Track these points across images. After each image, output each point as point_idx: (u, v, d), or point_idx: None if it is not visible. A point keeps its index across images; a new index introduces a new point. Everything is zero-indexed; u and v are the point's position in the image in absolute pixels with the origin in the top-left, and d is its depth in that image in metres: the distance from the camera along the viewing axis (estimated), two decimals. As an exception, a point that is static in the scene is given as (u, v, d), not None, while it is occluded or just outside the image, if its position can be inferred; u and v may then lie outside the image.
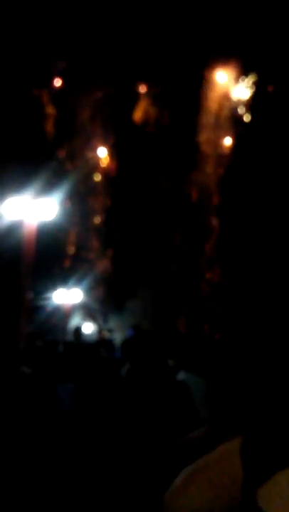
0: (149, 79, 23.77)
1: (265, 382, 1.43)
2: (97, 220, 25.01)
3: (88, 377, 4.85)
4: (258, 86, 23.61)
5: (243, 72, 23.75)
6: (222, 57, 23.33)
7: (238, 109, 24.13)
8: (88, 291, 24.61)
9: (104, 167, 25.79)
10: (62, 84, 23.66)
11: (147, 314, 22.07)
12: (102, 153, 25.67)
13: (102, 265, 24.82)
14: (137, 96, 24.35)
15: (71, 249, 24.13)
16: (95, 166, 25.52)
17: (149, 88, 24.14)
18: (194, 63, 22.96)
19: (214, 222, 24.50)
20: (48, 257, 20.06)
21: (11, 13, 19.18)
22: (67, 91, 23.60)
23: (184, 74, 22.91)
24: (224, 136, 24.77)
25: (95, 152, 25.66)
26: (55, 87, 23.68)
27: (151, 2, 21.18)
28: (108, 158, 25.71)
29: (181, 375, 4.94)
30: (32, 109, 21.22)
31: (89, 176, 24.46)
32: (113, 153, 25.61)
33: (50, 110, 22.52)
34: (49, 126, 21.91)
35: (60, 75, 23.43)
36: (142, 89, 24.37)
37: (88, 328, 21.10)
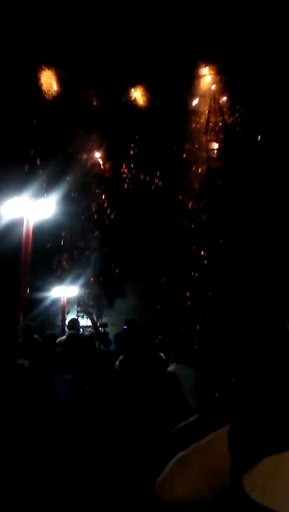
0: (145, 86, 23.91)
1: (253, 373, 1.45)
2: (94, 219, 25.17)
3: (85, 369, 4.85)
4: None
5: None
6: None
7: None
8: (84, 288, 24.82)
9: (100, 169, 25.98)
10: (60, 89, 23.75)
11: (140, 310, 22.28)
12: (98, 155, 25.85)
13: (98, 263, 24.99)
14: (131, 102, 24.49)
15: (68, 248, 24.29)
16: (91, 167, 25.68)
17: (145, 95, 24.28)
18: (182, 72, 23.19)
19: (203, 223, 24.71)
20: (45, 254, 20.23)
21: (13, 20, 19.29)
22: (66, 96, 23.68)
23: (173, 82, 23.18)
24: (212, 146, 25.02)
25: (91, 154, 25.83)
26: (54, 91, 23.77)
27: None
28: (103, 159, 25.90)
29: (172, 367, 5.15)
30: (31, 112, 21.23)
31: (85, 177, 24.57)
32: (108, 155, 25.79)
33: (49, 113, 22.55)
34: (48, 129, 21.96)
35: (59, 81, 23.51)
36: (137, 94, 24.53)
37: (84, 322, 21.31)
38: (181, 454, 1.37)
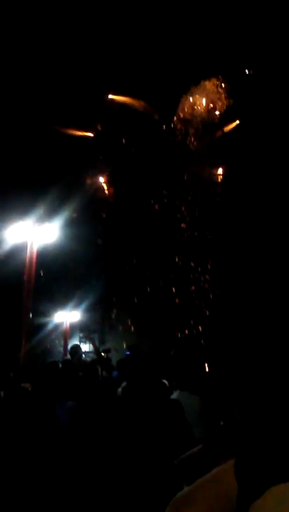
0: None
1: (257, 402, 1.43)
2: (97, 244, 25.27)
3: (87, 396, 4.83)
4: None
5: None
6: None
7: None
8: (86, 313, 24.74)
9: (103, 194, 26.24)
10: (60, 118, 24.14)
11: (143, 336, 22.16)
12: (102, 180, 26.15)
13: (101, 288, 24.97)
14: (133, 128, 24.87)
15: (71, 272, 24.32)
16: (95, 192, 25.95)
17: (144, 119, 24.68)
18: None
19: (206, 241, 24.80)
20: (48, 279, 20.25)
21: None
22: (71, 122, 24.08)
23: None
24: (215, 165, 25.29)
25: (95, 179, 26.12)
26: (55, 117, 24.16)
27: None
28: (107, 185, 26.18)
29: (175, 394, 5.15)
30: (35, 136, 21.56)
31: (89, 202, 24.78)
32: (111, 180, 26.09)
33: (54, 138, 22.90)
34: (52, 153, 22.26)
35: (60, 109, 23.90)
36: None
37: (86, 348, 21.19)
38: (186, 489, 1.36)
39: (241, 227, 22.80)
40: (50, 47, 21.24)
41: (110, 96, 24.66)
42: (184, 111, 25.22)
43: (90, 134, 24.99)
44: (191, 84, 24.11)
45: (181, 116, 25.28)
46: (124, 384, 5.17)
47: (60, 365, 7.64)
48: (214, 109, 25.36)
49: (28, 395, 4.28)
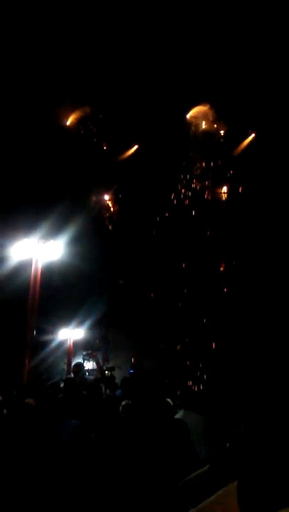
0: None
1: (265, 421, 1.47)
2: (101, 262, 25.31)
3: (91, 414, 4.79)
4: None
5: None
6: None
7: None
8: (90, 331, 24.66)
9: (108, 211, 26.40)
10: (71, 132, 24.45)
11: (147, 354, 22.06)
12: (107, 198, 26.35)
13: (104, 306, 24.94)
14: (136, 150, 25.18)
15: (75, 290, 24.31)
16: (100, 209, 26.12)
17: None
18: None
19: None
20: (52, 296, 20.25)
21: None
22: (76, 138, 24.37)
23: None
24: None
25: (100, 197, 26.32)
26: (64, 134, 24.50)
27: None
28: (112, 203, 26.36)
29: (180, 414, 5.10)
30: (39, 156, 21.79)
31: (94, 219, 24.92)
32: (116, 198, 26.28)
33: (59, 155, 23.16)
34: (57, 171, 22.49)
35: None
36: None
37: (89, 366, 21.06)
38: (191, 511, 1.37)
39: (243, 248, 22.85)
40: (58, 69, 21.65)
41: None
42: (188, 130, 25.52)
43: (96, 152, 25.24)
44: (192, 105, 24.48)
45: (187, 133, 25.58)
46: (124, 402, 5.14)
47: (63, 384, 7.59)
48: (217, 129, 25.66)
49: (31, 411, 4.21)
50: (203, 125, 25.91)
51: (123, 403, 5.13)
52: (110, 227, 26.33)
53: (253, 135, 24.59)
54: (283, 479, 1.17)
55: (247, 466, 1.29)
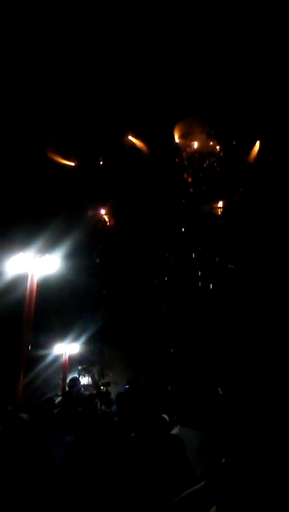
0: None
1: (262, 437, 1.41)
2: (97, 276, 25.32)
3: (86, 431, 4.72)
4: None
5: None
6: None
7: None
8: (86, 346, 24.53)
9: (104, 226, 26.47)
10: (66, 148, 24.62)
11: (143, 369, 21.94)
12: (103, 212, 26.44)
13: (100, 321, 24.86)
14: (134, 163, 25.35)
15: (71, 304, 24.25)
16: (96, 224, 26.18)
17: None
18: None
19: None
20: (48, 310, 20.17)
21: None
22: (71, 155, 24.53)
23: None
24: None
25: (97, 211, 26.41)
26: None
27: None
28: (108, 216, 26.45)
29: (176, 430, 5.02)
30: (35, 169, 21.91)
31: (90, 233, 24.96)
32: (112, 212, 26.36)
33: (54, 170, 23.29)
34: (52, 185, 22.57)
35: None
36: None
37: (85, 381, 20.93)
38: None
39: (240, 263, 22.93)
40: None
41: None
42: (183, 147, 25.73)
43: (92, 167, 25.38)
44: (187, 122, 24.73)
45: (181, 152, 25.79)
46: (120, 418, 5.08)
47: (58, 399, 7.53)
48: (212, 146, 25.89)
49: (25, 426, 4.18)
50: (199, 140, 26.08)
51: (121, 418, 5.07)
52: (106, 241, 26.35)
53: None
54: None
55: (226, 490, 1.27)
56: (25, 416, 5.13)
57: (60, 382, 20.87)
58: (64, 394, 8.41)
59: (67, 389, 10.02)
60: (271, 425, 1.40)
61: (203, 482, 1.81)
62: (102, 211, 26.76)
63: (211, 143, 25.77)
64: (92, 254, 24.95)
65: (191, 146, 26.18)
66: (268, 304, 20.61)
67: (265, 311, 20.47)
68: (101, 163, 25.51)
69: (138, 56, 21.95)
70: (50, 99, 21.74)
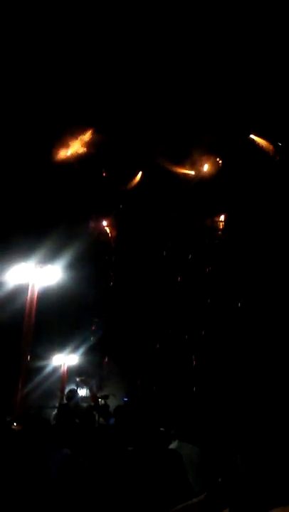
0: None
1: (261, 452, 1.39)
2: (97, 287, 25.30)
3: (83, 443, 4.68)
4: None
5: None
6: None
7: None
8: (85, 357, 24.45)
9: (106, 237, 26.52)
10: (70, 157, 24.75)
11: (141, 382, 21.86)
12: (105, 223, 26.50)
13: (99, 332, 24.82)
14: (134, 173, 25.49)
15: (70, 315, 24.21)
16: (98, 235, 26.24)
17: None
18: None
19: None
20: (47, 321, 20.13)
21: None
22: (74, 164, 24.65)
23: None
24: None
25: (99, 222, 26.48)
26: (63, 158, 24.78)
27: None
28: (110, 228, 26.51)
29: (174, 444, 4.97)
30: (37, 179, 21.98)
31: (92, 245, 24.98)
32: (114, 223, 26.42)
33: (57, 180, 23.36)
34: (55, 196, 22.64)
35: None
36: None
37: (83, 393, 20.80)
38: None
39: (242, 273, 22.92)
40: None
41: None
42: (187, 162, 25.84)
43: (95, 178, 25.49)
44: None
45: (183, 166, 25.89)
46: (118, 430, 5.05)
47: (56, 411, 7.48)
48: (214, 160, 26.00)
49: (18, 438, 4.16)
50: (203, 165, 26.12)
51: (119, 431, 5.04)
52: (108, 252, 26.39)
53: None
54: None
55: (239, 494, 1.28)
56: (18, 427, 5.07)
57: (58, 393, 20.75)
58: (60, 406, 8.34)
59: (65, 401, 9.95)
60: (272, 439, 1.39)
61: (203, 495, 1.77)
62: (104, 223, 26.83)
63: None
64: (93, 266, 24.93)
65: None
66: (268, 315, 20.62)
67: (264, 321, 20.47)
68: (104, 174, 25.63)
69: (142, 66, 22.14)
70: (53, 106, 21.84)
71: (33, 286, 13.61)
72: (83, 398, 16.61)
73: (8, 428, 4.46)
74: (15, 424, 5.31)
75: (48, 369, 21.22)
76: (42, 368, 20.35)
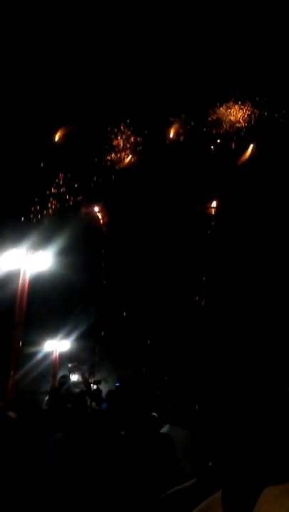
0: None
1: (252, 436, 1.39)
2: (89, 273, 25.24)
3: (76, 428, 4.75)
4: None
5: None
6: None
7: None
8: (77, 343, 24.49)
9: (97, 223, 26.42)
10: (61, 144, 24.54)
11: (134, 366, 21.95)
12: (96, 209, 26.37)
13: (92, 318, 24.84)
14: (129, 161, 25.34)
15: (62, 301, 24.20)
16: (90, 221, 26.12)
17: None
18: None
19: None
20: (39, 307, 20.13)
21: None
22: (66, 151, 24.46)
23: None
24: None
25: (90, 208, 26.33)
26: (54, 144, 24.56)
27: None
28: (102, 214, 26.39)
29: (165, 428, 5.05)
30: (31, 164, 21.84)
31: (84, 230, 24.90)
32: (106, 209, 26.30)
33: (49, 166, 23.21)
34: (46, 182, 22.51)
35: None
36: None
37: (75, 378, 20.87)
38: None
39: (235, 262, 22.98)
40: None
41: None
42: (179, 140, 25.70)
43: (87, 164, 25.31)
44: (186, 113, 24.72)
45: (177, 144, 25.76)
46: (111, 416, 5.07)
47: (47, 397, 7.50)
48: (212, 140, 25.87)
49: (12, 424, 4.17)
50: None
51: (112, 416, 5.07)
52: (100, 238, 26.31)
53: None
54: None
55: (232, 475, 1.28)
56: (12, 414, 5.07)
57: (51, 379, 20.81)
58: (51, 391, 8.36)
59: (57, 386, 9.98)
60: (263, 423, 1.39)
61: (194, 480, 1.80)
62: (96, 208, 26.70)
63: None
64: (85, 251, 24.87)
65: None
66: (265, 306, 20.74)
67: (261, 314, 20.59)
68: (96, 159, 25.46)
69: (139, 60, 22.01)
70: (51, 102, 21.71)
71: (24, 272, 13.55)
72: (75, 383, 16.69)
73: (3, 413, 4.44)
74: (10, 411, 5.30)
75: (40, 355, 21.24)
76: (34, 354, 20.36)
